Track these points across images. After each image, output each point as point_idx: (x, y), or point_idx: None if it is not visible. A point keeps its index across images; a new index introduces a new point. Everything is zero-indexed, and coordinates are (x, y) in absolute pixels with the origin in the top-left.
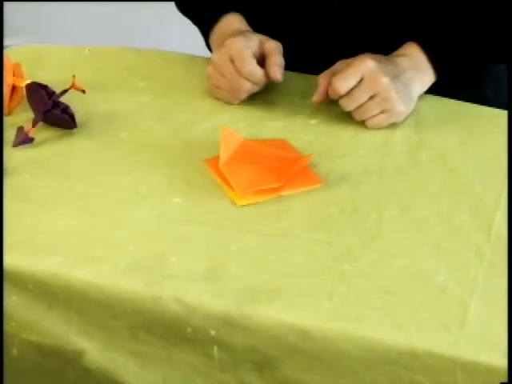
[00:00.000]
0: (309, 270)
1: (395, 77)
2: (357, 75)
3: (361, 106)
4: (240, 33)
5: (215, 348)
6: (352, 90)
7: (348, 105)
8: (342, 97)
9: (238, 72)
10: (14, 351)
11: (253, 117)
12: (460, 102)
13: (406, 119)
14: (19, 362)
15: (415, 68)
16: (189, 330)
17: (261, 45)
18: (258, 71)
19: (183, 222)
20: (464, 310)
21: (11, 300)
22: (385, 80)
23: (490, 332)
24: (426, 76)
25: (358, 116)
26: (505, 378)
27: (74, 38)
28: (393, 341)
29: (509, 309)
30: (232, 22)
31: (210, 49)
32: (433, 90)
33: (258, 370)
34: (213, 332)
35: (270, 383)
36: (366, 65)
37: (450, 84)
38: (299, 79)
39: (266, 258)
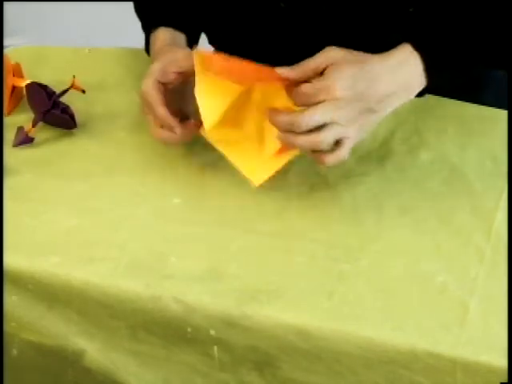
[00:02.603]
0: (309, 270)
1: (367, 116)
2: (326, 115)
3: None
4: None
5: (215, 348)
6: (317, 130)
7: (307, 146)
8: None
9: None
10: (14, 351)
11: None
12: (460, 102)
13: (406, 119)
14: (19, 361)
15: (402, 84)
16: (189, 329)
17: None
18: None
19: (183, 222)
20: (464, 310)
21: (11, 300)
22: (352, 130)
23: (490, 332)
24: (416, 87)
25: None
26: (505, 378)
27: (74, 38)
28: (393, 341)
29: (509, 309)
30: (158, 39)
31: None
32: (433, 90)
33: (258, 370)
34: (213, 332)
35: (270, 383)
36: (338, 106)
37: (441, 89)
38: None
39: (266, 258)
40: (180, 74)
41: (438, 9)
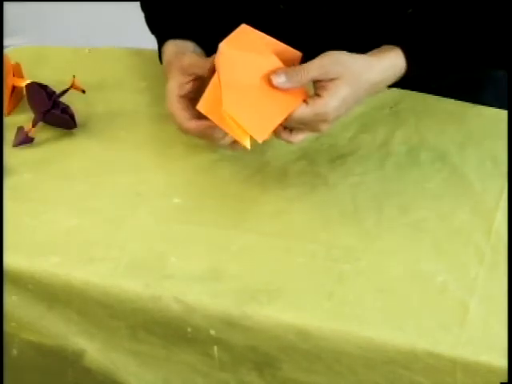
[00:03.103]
0: (309, 270)
1: (341, 115)
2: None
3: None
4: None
5: (215, 348)
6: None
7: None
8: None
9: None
10: (14, 351)
11: None
12: (460, 101)
13: (406, 119)
14: (19, 361)
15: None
16: (189, 329)
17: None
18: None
19: (183, 222)
20: (464, 310)
21: (11, 300)
22: (326, 127)
23: (490, 332)
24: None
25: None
26: (505, 378)
27: (74, 38)
28: (393, 341)
29: (509, 309)
30: (165, 54)
31: None
32: (433, 90)
33: (258, 370)
34: (213, 332)
35: (270, 383)
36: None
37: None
38: None
39: (266, 257)
40: (194, 79)
41: (437, 10)
